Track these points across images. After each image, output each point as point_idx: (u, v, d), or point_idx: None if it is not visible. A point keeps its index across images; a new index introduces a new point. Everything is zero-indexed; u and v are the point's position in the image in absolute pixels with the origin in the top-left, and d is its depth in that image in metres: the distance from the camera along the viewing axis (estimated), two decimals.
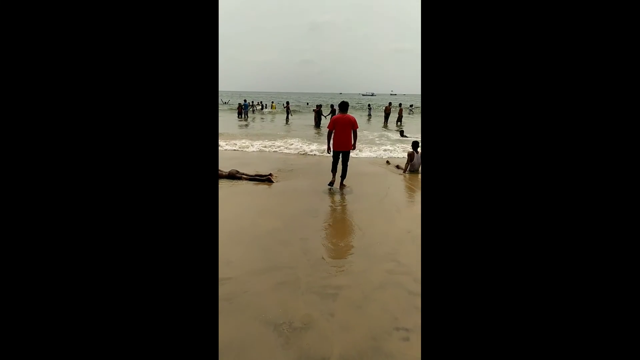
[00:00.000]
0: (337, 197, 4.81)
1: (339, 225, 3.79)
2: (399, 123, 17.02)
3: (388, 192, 5.12)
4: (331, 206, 4.44)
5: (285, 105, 18.82)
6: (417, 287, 2.43)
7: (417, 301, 2.26)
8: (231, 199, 4.59)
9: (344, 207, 4.47)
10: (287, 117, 18.02)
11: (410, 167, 6.29)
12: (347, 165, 5.15)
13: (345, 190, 5.11)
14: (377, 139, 11.47)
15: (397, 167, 6.79)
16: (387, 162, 7.41)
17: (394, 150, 8.78)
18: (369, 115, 22.09)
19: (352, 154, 5.38)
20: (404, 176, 6.09)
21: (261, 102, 28.28)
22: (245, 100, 22.22)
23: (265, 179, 5.55)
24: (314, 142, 9.83)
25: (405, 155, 6.65)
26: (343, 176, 5.19)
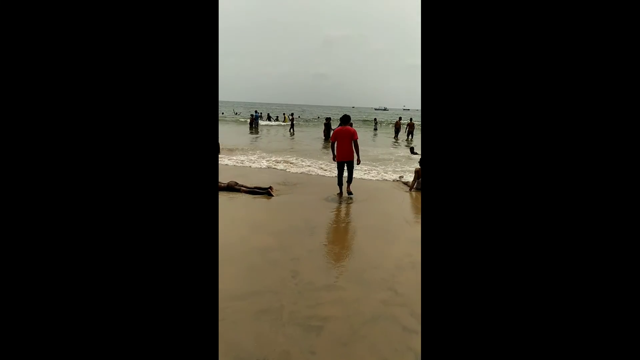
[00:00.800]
0: (338, 214, 4.58)
1: (336, 245, 3.54)
2: (409, 137, 16.67)
3: (391, 211, 4.86)
4: (330, 223, 4.20)
5: (290, 117, 19.11)
6: (413, 323, 2.16)
7: (412, 340, 1.99)
8: (225, 212, 4.40)
9: (343, 225, 4.23)
10: (292, 130, 18.10)
11: (417, 184, 6.02)
12: (352, 172, 5.44)
13: (349, 205, 4.87)
14: (381, 154, 11.05)
15: (406, 183, 6.51)
16: (401, 177, 7.10)
17: (402, 170, 7.83)
18: (375, 129, 21.92)
19: (356, 172, 5.67)
20: (411, 194, 5.82)
21: (269, 114, 28.77)
22: (256, 112, 22.38)
23: (265, 192, 5.36)
24: (320, 158, 9.20)
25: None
26: (349, 181, 5.44)
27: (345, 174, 5.43)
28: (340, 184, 5.48)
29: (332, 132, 15.27)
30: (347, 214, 4.63)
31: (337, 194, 5.51)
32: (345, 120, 5.46)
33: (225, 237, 3.42)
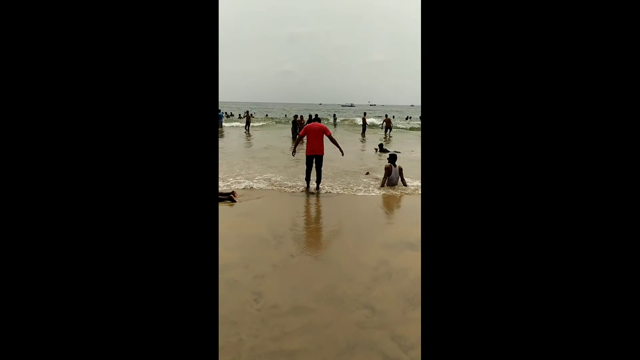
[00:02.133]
0: (307, 218, 4.23)
1: (305, 257, 3.19)
2: (387, 133, 16.66)
3: (364, 212, 4.60)
4: (299, 230, 3.85)
5: (244, 115, 18.44)
6: (395, 349, 1.87)
7: None
8: None
9: (313, 231, 3.89)
10: (247, 128, 17.38)
11: (388, 181, 5.82)
12: (320, 170, 5.44)
13: (319, 206, 4.55)
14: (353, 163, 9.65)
15: (377, 178, 6.31)
16: (367, 173, 6.92)
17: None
18: (334, 125, 21.58)
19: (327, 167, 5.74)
20: (381, 193, 5.60)
21: (225, 112, 28.00)
22: (219, 111, 21.46)
23: (227, 198, 4.91)
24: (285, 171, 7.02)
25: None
26: (318, 181, 5.45)
27: (314, 171, 5.40)
28: (308, 179, 5.46)
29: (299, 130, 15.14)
30: (318, 217, 4.30)
31: (305, 188, 5.47)
32: (317, 117, 6.32)
33: None
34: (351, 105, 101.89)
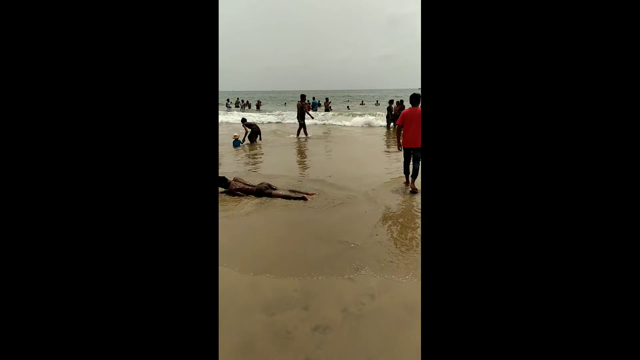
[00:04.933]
0: (390, 230, 3.22)
1: (388, 296, 2.23)
2: None
3: None
4: (382, 249, 2.88)
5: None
6: None
7: None
8: (235, 229, 3.36)
9: (402, 247, 2.87)
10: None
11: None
12: (418, 165, 4.49)
13: (409, 210, 3.48)
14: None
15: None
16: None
17: None
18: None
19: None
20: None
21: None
22: (314, 98, 21.41)
23: (301, 197, 4.23)
24: None
25: None
26: (414, 176, 4.54)
27: (411, 165, 4.60)
28: (407, 172, 4.72)
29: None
30: (404, 229, 3.24)
31: (404, 182, 4.87)
32: (416, 100, 4.46)
33: (225, 280, 2.34)
34: None
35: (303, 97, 10.85)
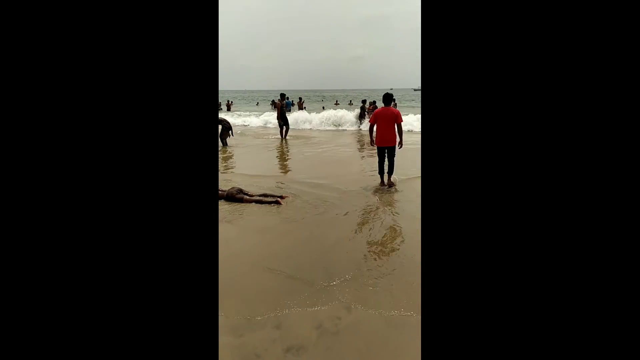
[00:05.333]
0: (370, 234, 3.11)
1: (369, 311, 2.11)
2: None
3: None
4: (359, 257, 2.76)
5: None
6: None
7: None
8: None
9: (380, 254, 2.76)
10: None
11: None
12: (393, 161, 4.75)
13: (386, 213, 3.39)
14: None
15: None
16: None
17: None
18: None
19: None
20: None
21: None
22: (287, 98, 21.03)
23: (273, 201, 4.05)
24: None
25: None
26: (390, 172, 4.76)
27: (386, 162, 4.75)
28: (381, 172, 4.82)
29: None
30: (383, 232, 3.15)
31: (379, 183, 4.83)
32: (388, 99, 4.73)
33: None
34: None
35: (283, 95, 10.32)
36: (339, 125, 13.14)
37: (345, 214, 3.68)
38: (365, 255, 2.76)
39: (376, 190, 4.59)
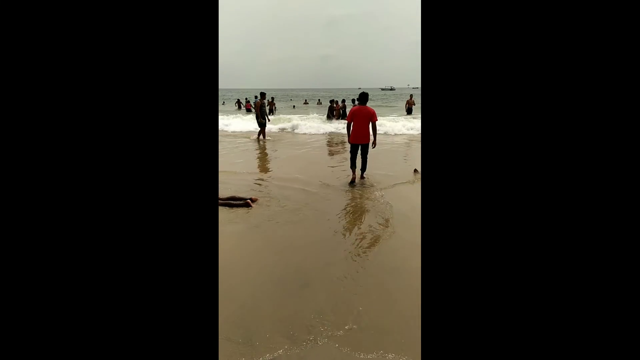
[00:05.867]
0: (348, 230, 3.05)
1: (342, 329, 2.03)
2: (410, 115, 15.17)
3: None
4: (333, 261, 2.68)
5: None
6: None
7: None
8: None
9: (356, 262, 2.70)
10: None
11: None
12: (366, 158, 4.96)
13: (362, 212, 3.35)
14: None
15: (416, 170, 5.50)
16: (415, 170, 5.57)
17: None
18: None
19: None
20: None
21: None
22: (256, 97, 20.53)
23: (243, 204, 3.88)
24: None
25: None
26: (363, 169, 4.99)
27: (359, 159, 4.93)
28: (353, 167, 4.95)
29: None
30: (358, 241, 3.10)
31: (351, 179, 4.93)
32: (364, 98, 4.79)
33: None
34: (391, 89, 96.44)
35: (263, 95, 9.49)
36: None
37: (328, 217, 3.60)
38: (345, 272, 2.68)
39: (347, 189, 4.55)
